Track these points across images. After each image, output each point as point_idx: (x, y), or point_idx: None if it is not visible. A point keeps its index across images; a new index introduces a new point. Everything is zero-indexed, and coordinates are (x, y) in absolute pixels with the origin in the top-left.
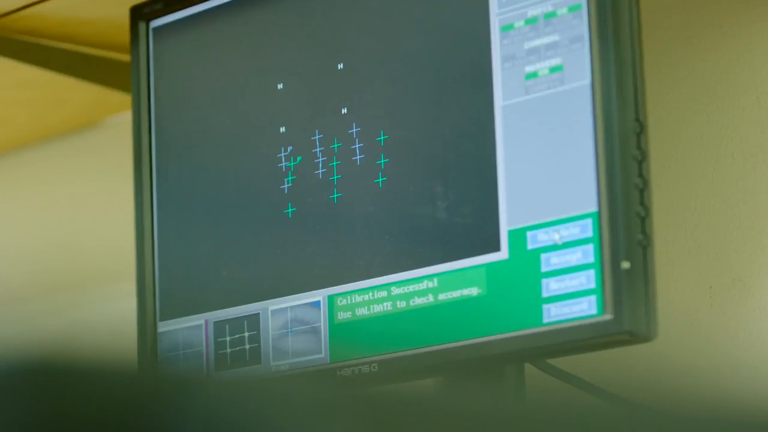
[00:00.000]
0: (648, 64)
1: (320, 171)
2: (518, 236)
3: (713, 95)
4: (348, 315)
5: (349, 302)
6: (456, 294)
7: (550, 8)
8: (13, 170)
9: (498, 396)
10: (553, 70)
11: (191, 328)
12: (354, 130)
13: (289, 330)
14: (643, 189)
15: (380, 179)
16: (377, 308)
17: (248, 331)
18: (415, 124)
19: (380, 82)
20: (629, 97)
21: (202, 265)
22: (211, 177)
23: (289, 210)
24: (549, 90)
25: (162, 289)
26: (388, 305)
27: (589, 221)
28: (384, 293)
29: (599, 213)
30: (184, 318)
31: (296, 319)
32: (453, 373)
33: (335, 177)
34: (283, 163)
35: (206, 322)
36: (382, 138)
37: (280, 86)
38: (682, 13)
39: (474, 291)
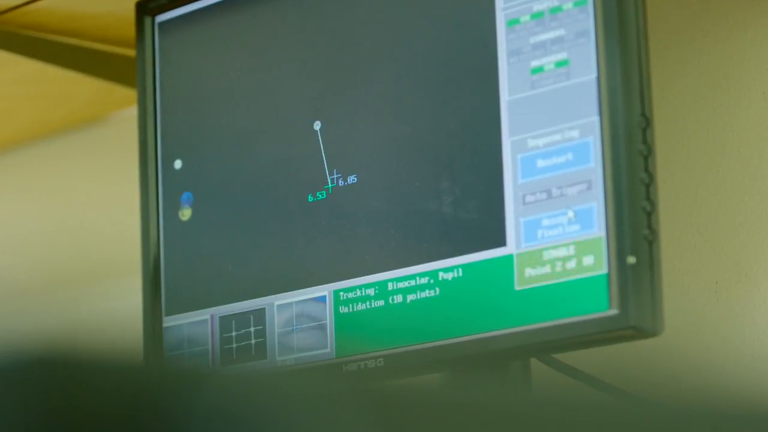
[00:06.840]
0: (654, 58)
1: (325, 165)
2: (524, 231)
3: (719, 90)
4: (353, 309)
5: (354, 297)
6: (462, 288)
7: (555, 3)
8: (18, 166)
9: (504, 391)
10: (559, 64)
11: (197, 323)
12: (359, 124)
13: (295, 325)
14: (649, 184)
15: (385, 174)
16: (382, 303)
17: (254, 326)
18: (421, 119)
19: (386, 77)
20: (635, 92)
21: (208, 260)
22: (216, 172)
23: (295, 204)
24: (555, 85)
25: (168, 284)
26: (394, 300)
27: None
28: (390, 288)
29: (606, 208)
30: (189, 313)
31: (302, 314)
32: (459, 367)
33: (340, 171)
34: (289, 157)
35: (212, 317)
36: (387, 133)
37: (285, 80)
38: (688, 8)
39: (480, 285)
